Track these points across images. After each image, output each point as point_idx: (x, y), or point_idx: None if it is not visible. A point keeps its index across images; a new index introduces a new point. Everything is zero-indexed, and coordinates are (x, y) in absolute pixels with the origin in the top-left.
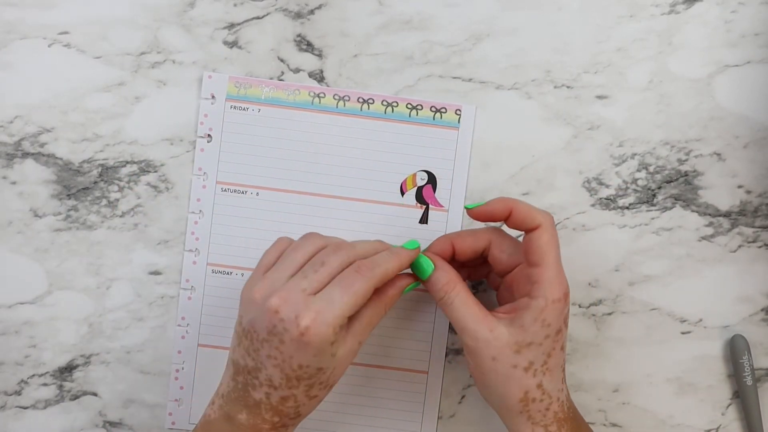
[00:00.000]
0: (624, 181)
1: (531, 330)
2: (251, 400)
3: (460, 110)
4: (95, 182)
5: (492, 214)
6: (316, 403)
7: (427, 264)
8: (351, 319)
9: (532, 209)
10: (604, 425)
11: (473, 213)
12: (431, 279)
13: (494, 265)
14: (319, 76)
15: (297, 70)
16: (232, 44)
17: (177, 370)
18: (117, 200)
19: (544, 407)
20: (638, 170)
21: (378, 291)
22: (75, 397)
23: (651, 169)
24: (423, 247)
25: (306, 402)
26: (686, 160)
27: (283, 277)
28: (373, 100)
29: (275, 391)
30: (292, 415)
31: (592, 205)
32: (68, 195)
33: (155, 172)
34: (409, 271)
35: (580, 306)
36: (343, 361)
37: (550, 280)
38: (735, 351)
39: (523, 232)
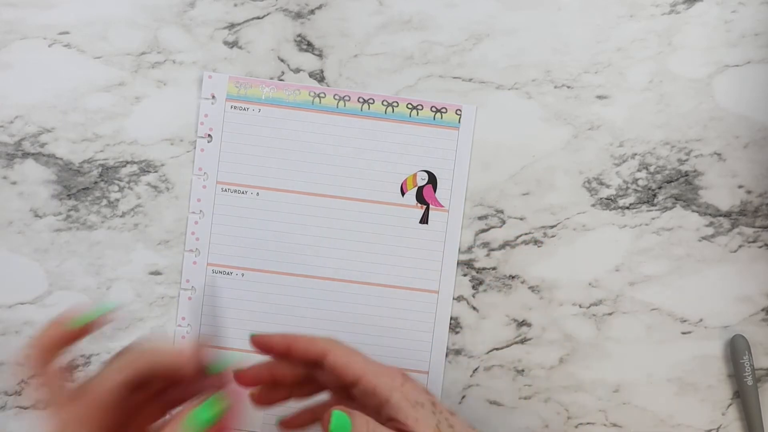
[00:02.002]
0: (624, 181)
1: (421, 419)
2: None
3: (460, 110)
4: (95, 182)
5: (270, 345)
6: None
7: (345, 419)
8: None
9: (312, 338)
10: (604, 425)
11: (254, 340)
12: (354, 429)
13: (338, 379)
14: (319, 76)
15: (297, 70)
16: (233, 44)
17: None
18: (117, 200)
19: None
20: (638, 170)
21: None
22: None
23: (651, 169)
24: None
25: None
26: (686, 160)
27: None
28: (374, 100)
29: None
30: None
31: (593, 205)
32: (68, 195)
33: (155, 172)
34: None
35: (580, 306)
36: None
37: (381, 378)
38: (735, 351)
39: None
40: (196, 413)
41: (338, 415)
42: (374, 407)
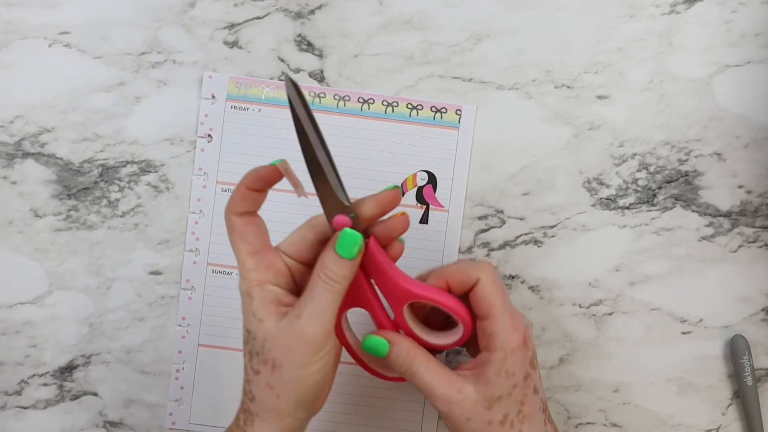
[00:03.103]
0: (624, 181)
1: (496, 384)
2: None
3: (460, 110)
4: (95, 182)
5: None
6: (264, 385)
7: (381, 343)
8: (300, 298)
9: (466, 267)
10: (604, 425)
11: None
12: (390, 356)
13: (473, 308)
14: (319, 76)
15: (297, 70)
16: (233, 44)
17: (177, 370)
18: (117, 200)
19: None
20: (638, 170)
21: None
22: (75, 397)
23: (651, 169)
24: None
25: (253, 377)
26: (686, 160)
27: None
28: (374, 100)
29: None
30: (249, 394)
31: (593, 205)
32: (68, 195)
33: (155, 172)
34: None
35: (580, 306)
36: (279, 335)
37: (505, 330)
38: (735, 351)
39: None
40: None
41: (375, 341)
42: (482, 346)
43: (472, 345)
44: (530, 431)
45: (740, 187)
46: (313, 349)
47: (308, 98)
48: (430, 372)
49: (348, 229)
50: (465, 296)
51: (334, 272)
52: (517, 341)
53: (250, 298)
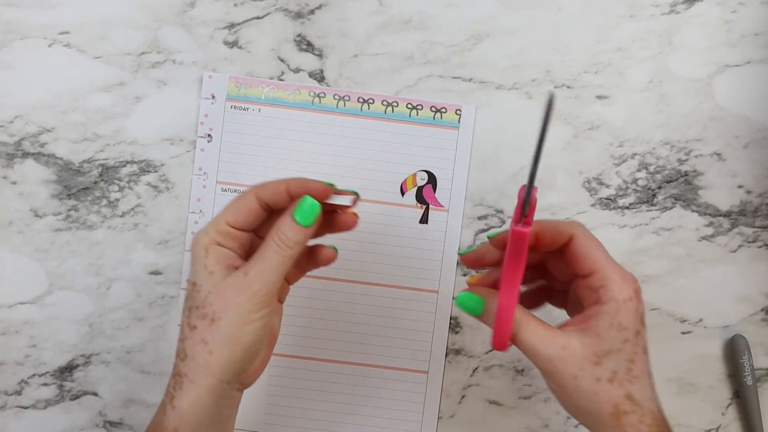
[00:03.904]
0: (624, 181)
1: (607, 337)
2: None
3: (460, 110)
4: (95, 182)
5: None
6: (199, 341)
7: (475, 300)
8: (250, 259)
9: (558, 224)
10: None
11: (494, 241)
12: (487, 312)
13: (571, 267)
14: (319, 76)
15: (297, 70)
16: (232, 44)
17: None
18: (117, 200)
19: (637, 420)
20: (638, 170)
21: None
22: (75, 397)
23: (651, 169)
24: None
25: (188, 334)
26: (686, 160)
27: None
28: (373, 100)
29: (179, 325)
30: (181, 354)
31: (592, 205)
32: (68, 195)
33: (155, 172)
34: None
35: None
36: (223, 288)
37: (615, 280)
38: (735, 351)
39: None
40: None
41: (468, 297)
42: (587, 303)
43: (577, 308)
44: (639, 393)
45: (740, 187)
46: (254, 306)
47: (308, 98)
48: (530, 331)
49: (308, 198)
50: (552, 254)
51: (288, 237)
52: (629, 292)
53: (205, 252)
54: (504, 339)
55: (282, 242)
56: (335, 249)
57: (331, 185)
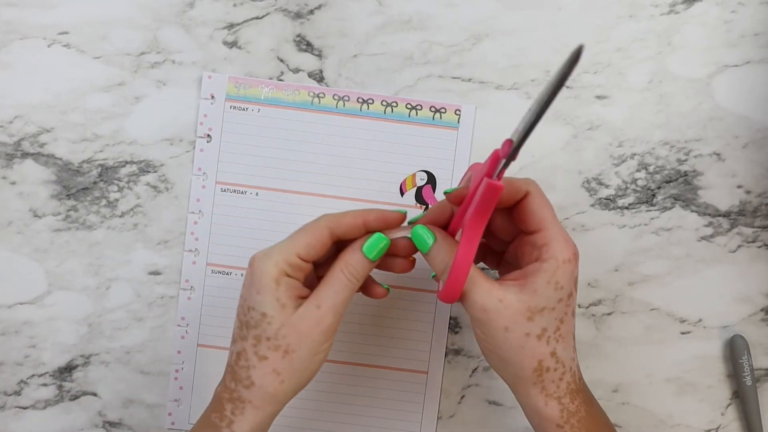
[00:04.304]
0: (624, 181)
1: (544, 294)
2: (227, 365)
3: (459, 110)
4: (95, 182)
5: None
6: (270, 371)
7: (427, 235)
8: (317, 289)
9: (514, 180)
10: None
11: (451, 197)
12: (431, 252)
13: (518, 223)
14: (318, 76)
15: (296, 70)
16: (232, 44)
17: (176, 371)
18: (117, 200)
19: (557, 377)
20: (638, 170)
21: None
22: (75, 397)
23: (650, 169)
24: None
25: (256, 363)
26: (686, 160)
27: None
28: (373, 100)
29: (234, 346)
30: (245, 381)
31: (592, 205)
32: (68, 195)
33: (155, 172)
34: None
35: (579, 306)
36: (297, 321)
37: (558, 239)
38: (734, 351)
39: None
40: (371, 241)
41: (424, 231)
42: (527, 260)
43: (509, 262)
44: (563, 352)
45: (739, 187)
46: (325, 338)
47: (307, 98)
48: (471, 280)
49: (378, 234)
50: (500, 211)
51: (357, 271)
52: (569, 253)
53: (276, 284)
54: (456, 292)
55: (352, 276)
56: (388, 289)
57: (405, 212)
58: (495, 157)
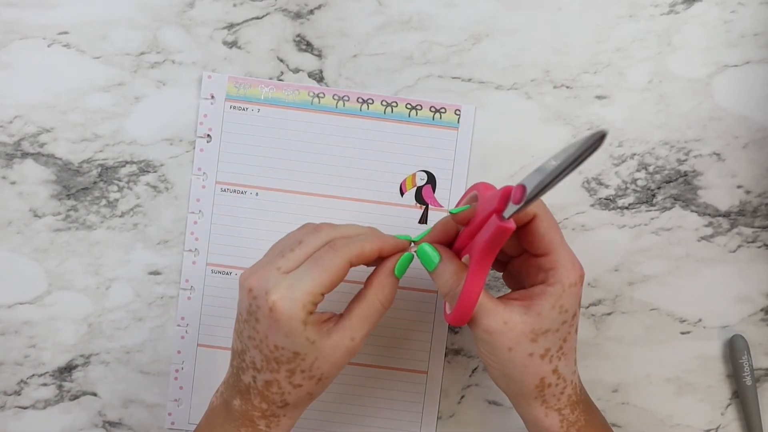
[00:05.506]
0: (623, 181)
1: (548, 317)
2: (242, 384)
3: (459, 110)
4: (95, 182)
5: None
6: (305, 394)
7: (434, 254)
8: (343, 315)
9: None
10: None
11: (457, 218)
12: (437, 270)
13: (525, 245)
14: (318, 76)
15: (296, 70)
16: (232, 44)
17: (176, 370)
18: (116, 200)
19: (558, 391)
20: (638, 170)
21: (367, 281)
22: (75, 397)
23: (650, 169)
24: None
25: (291, 390)
26: (685, 160)
27: (266, 261)
28: (373, 100)
29: (259, 374)
30: (279, 403)
31: (592, 205)
32: (68, 195)
33: (155, 172)
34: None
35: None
36: (330, 353)
37: (565, 265)
38: (734, 351)
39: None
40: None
41: (430, 250)
42: (533, 280)
43: (510, 276)
44: (565, 368)
45: (739, 187)
46: (351, 358)
47: (307, 98)
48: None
49: (407, 253)
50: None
51: (391, 293)
52: (575, 277)
53: (304, 326)
54: (464, 320)
55: (386, 300)
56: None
57: (409, 238)
58: (505, 193)
